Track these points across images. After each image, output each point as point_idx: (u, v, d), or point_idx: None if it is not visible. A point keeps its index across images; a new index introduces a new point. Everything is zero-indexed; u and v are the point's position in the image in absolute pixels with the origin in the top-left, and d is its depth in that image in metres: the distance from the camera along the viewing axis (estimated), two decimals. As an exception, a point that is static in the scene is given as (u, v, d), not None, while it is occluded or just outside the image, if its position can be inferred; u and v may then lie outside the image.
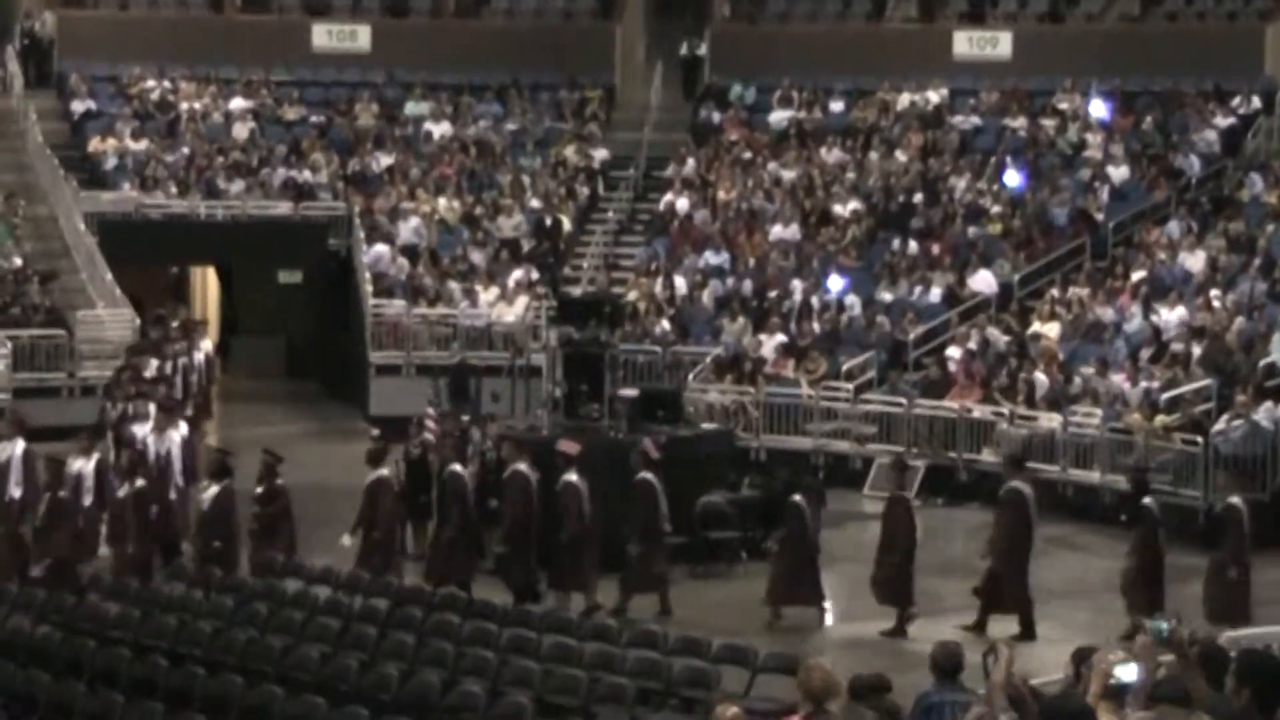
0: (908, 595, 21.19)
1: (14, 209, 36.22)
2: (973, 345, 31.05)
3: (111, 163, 38.33)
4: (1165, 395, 27.52)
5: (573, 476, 21.79)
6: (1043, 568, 22.40)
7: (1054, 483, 27.13)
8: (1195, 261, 32.42)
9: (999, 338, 31.43)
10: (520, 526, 22.03)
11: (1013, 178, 36.50)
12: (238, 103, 40.99)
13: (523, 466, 22.16)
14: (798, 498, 22.09)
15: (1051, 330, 31.31)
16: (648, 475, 22.03)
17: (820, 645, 20.64)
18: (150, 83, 41.17)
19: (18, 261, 34.58)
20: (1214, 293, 30.72)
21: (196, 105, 40.79)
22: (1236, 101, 38.38)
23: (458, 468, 22.77)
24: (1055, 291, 32.58)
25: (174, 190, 37.64)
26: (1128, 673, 9.10)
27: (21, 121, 39.00)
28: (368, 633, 17.77)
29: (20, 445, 22.32)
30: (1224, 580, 21.41)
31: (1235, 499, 22.23)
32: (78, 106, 40.34)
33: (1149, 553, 20.91)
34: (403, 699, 15.76)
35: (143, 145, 39.00)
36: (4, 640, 17.56)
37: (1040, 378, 29.21)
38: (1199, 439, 25.77)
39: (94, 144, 38.97)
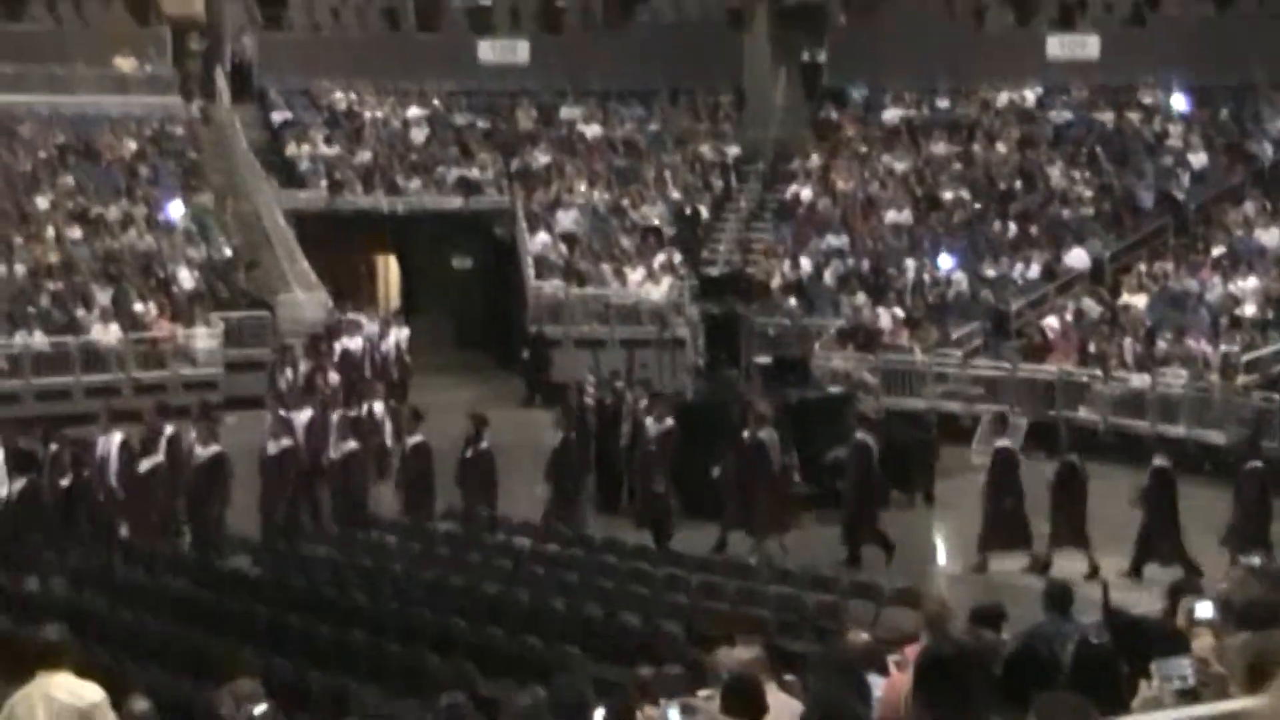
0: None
1: (224, 207, 36.77)
2: (1069, 315, 30.77)
3: (306, 165, 38.73)
4: (1244, 357, 27.16)
5: (864, 436, 21.68)
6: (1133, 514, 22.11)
7: (1143, 436, 26.82)
8: (1269, 237, 31.95)
9: (1093, 307, 31.10)
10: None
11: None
12: (414, 110, 41.29)
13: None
14: (1007, 443, 21.59)
15: (1140, 300, 30.95)
16: (863, 436, 21.74)
17: (939, 582, 20.54)
18: (339, 94, 41.57)
19: (227, 252, 35.08)
20: (1287, 264, 30.31)
21: (378, 113, 41.14)
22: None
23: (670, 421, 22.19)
24: (1143, 266, 32.22)
25: (360, 188, 38.02)
26: (1203, 609, 9.05)
27: (229, 131, 39.50)
28: (536, 573, 17.90)
29: (117, 437, 20.85)
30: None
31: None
32: (276, 116, 40.80)
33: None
34: (568, 630, 15.86)
35: (333, 149, 39.40)
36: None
37: (1130, 343, 28.90)
38: (1274, 395, 25.39)
39: (291, 149, 39.40)
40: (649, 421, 22.51)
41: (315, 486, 21.48)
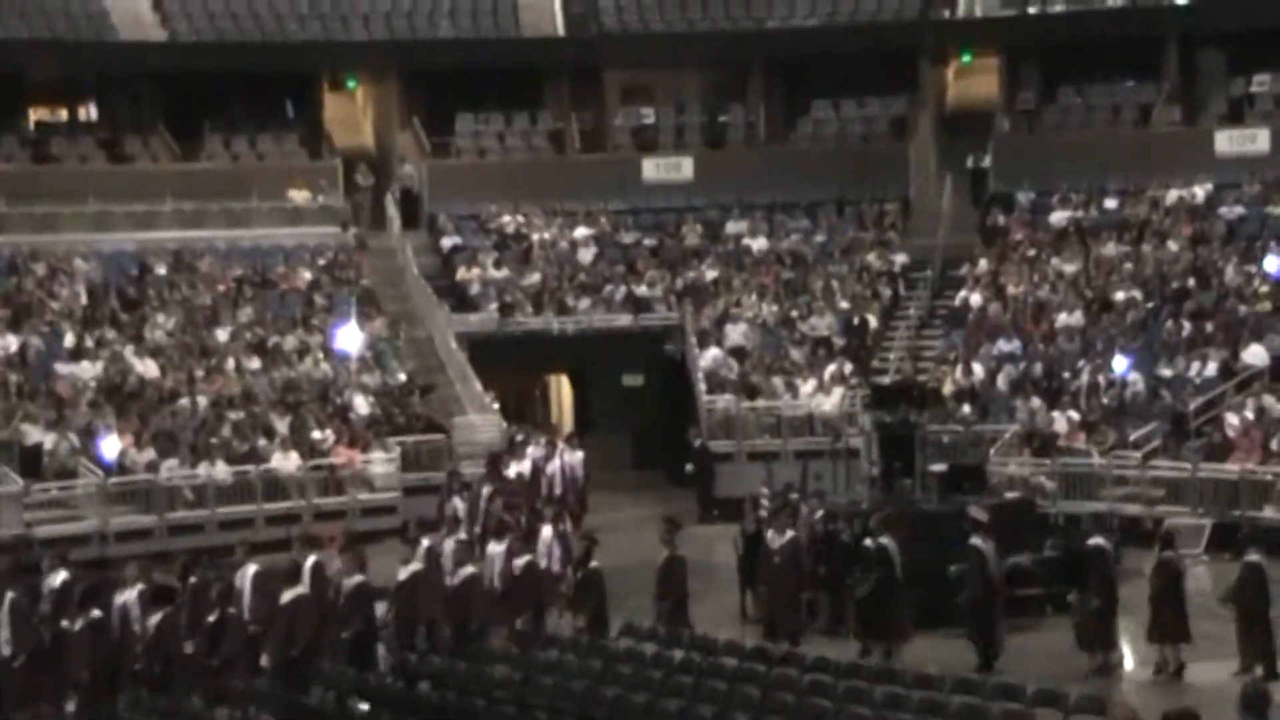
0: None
1: (397, 333, 37.34)
2: (1249, 414, 30.15)
3: (476, 289, 39.23)
4: None
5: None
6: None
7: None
8: None
9: (1274, 405, 30.44)
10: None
11: (1273, 263, 35.16)
12: (581, 231, 41.74)
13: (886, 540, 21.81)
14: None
15: (1325, 395, 30.28)
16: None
17: (1124, 687, 20.09)
18: (506, 218, 42.15)
19: (402, 377, 35.55)
20: None
21: (546, 235, 41.63)
22: None
23: (886, 541, 21.75)
24: (1326, 360, 31.53)
25: (530, 309, 38.41)
26: None
27: (400, 258, 40.23)
28: (718, 687, 17.76)
29: (251, 569, 20.86)
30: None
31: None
32: (446, 242, 41.44)
33: None
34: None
35: (502, 272, 39.89)
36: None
37: (1316, 439, 28.27)
38: None
39: (461, 273, 39.96)
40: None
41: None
